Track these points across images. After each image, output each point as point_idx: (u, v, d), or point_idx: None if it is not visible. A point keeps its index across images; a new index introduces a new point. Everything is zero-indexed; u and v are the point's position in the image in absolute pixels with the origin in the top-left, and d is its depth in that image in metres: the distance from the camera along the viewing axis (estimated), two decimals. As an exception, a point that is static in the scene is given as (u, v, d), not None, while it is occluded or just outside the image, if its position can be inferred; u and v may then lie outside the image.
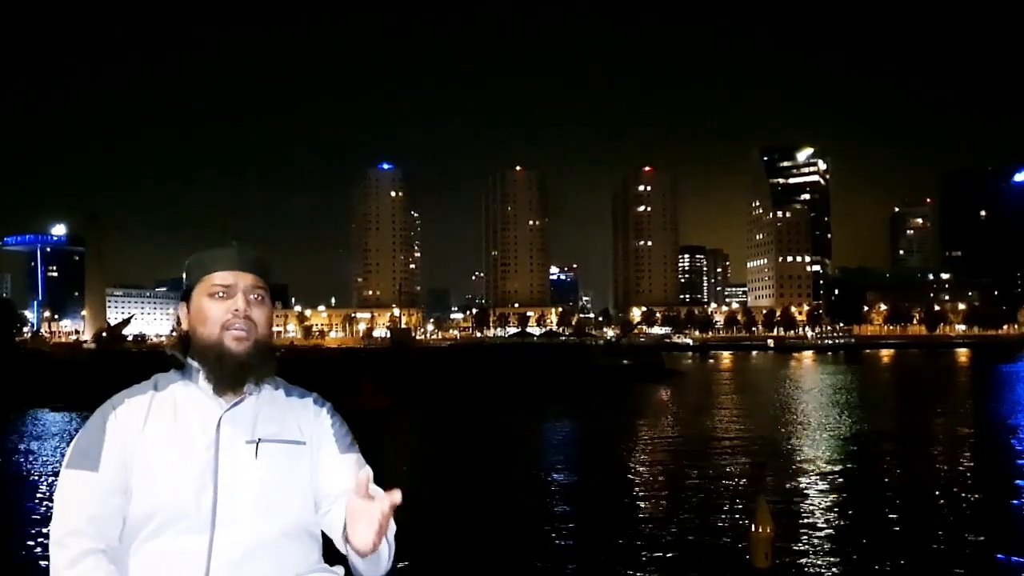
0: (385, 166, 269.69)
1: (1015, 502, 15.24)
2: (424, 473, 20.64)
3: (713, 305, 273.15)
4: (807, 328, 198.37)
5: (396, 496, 1.71)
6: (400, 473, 19.40)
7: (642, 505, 16.11)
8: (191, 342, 1.94)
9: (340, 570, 1.94)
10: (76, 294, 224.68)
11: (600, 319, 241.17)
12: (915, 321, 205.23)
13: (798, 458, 21.49)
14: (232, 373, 1.88)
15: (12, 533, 13.81)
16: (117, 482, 1.79)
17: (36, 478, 20.00)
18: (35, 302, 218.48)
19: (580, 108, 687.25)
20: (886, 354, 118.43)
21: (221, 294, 1.91)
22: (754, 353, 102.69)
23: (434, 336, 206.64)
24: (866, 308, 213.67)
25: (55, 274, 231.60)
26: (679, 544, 12.70)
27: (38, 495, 17.39)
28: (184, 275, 2.00)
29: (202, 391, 1.91)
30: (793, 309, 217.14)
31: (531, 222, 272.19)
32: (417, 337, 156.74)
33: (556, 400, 39.66)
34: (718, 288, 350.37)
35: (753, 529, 10.24)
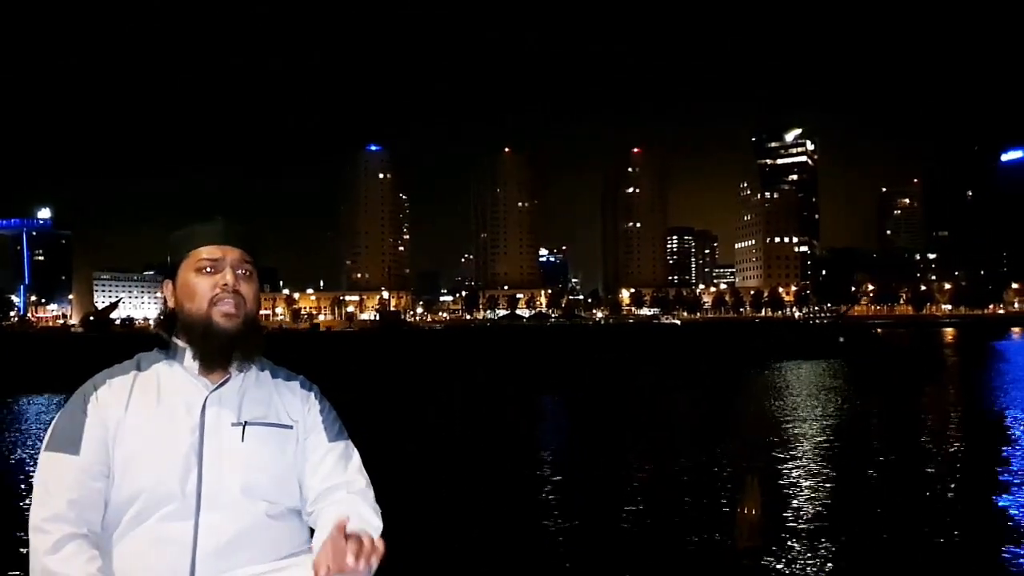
0: (374, 148, 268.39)
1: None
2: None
3: (701, 286, 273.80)
4: (795, 308, 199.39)
5: (379, 546, 1.66)
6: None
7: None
8: (178, 319, 1.87)
9: None
10: (63, 278, 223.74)
11: (589, 300, 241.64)
12: (902, 301, 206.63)
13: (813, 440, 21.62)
14: (220, 349, 1.82)
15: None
16: (98, 466, 1.74)
17: (22, 463, 19.91)
18: (21, 286, 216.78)
19: (570, 90, 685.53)
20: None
21: (208, 269, 1.84)
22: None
23: (424, 319, 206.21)
24: (853, 288, 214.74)
25: (41, 258, 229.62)
26: (670, 526, 12.76)
27: (23, 480, 17.31)
28: (168, 253, 1.93)
29: (187, 371, 1.85)
30: (781, 290, 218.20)
31: (520, 204, 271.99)
32: (407, 319, 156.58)
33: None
34: (706, 269, 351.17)
35: (738, 510, 10.32)
